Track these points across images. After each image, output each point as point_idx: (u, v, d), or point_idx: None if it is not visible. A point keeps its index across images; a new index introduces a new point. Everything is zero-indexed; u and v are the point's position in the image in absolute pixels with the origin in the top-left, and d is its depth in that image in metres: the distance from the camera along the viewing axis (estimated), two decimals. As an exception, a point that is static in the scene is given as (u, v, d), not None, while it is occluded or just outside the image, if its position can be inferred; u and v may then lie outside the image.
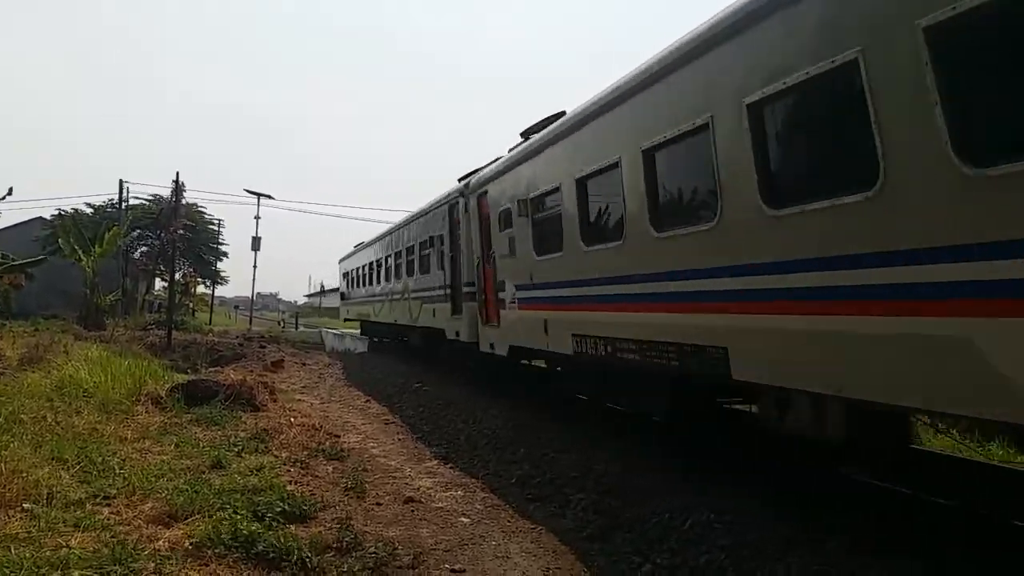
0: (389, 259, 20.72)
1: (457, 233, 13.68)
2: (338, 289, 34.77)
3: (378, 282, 22.74)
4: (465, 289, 12.92)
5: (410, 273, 17.83)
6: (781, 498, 5.77)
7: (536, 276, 9.44)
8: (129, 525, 5.48)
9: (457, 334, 13.45)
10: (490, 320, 11.61)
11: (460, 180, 13.87)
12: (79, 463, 6.96)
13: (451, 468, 8.52)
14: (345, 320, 33.01)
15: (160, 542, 5.10)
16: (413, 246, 17.54)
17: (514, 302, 10.30)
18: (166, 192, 39.93)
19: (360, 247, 26.91)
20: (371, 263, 24.01)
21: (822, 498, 5.83)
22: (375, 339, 26.94)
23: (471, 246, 12.58)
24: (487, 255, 11.64)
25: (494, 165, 11.70)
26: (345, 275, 30.93)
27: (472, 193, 12.58)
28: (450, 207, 14.15)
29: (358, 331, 30.27)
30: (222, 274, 54.83)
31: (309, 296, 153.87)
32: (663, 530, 5.66)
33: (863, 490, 6.22)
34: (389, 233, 21.08)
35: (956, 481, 6.14)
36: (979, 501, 5.76)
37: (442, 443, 9.86)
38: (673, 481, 6.59)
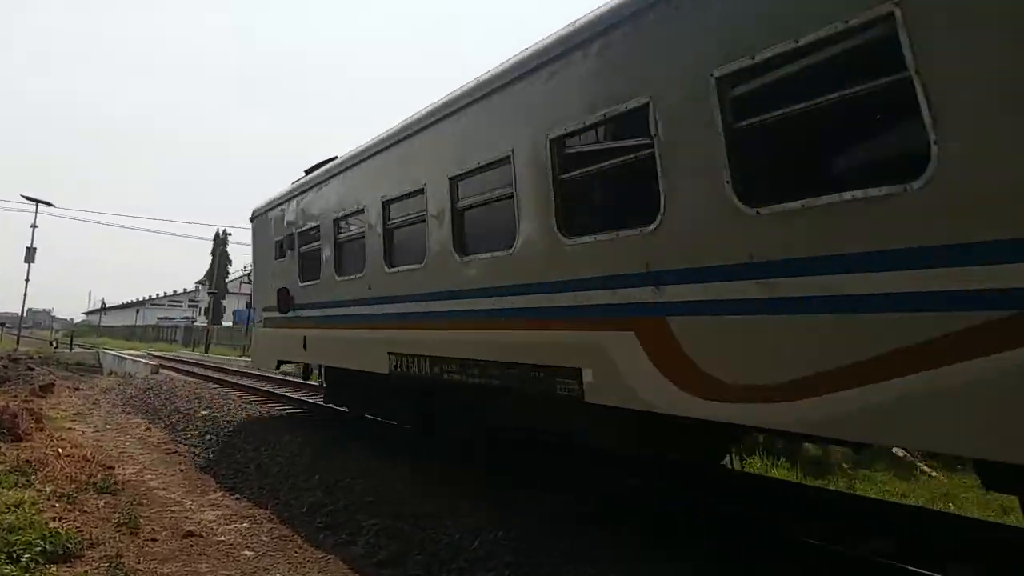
0: None
1: None
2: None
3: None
4: None
5: None
6: (564, 514, 6.11)
7: None
8: None
9: None
10: None
11: None
12: None
13: (237, 499, 8.09)
14: (280, 364, 13.10)
15: None
16: None
17: None
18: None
19: (379, 145, 8.61)
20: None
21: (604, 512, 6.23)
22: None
23: None
24: None
25: None
26: (281, 243, 11.85)
27: None
28: None
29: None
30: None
31: (88, 314, 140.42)
32: (454, 551, 5.79)
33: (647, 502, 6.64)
34: None
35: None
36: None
37: (229, 473, 9.33)
38: (470, 503, 6.75)
